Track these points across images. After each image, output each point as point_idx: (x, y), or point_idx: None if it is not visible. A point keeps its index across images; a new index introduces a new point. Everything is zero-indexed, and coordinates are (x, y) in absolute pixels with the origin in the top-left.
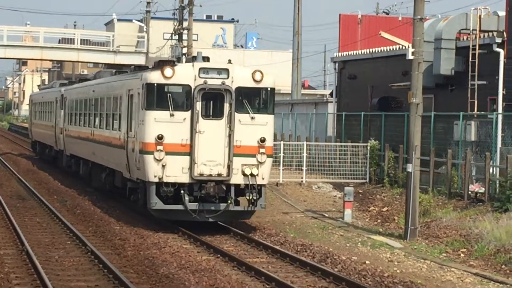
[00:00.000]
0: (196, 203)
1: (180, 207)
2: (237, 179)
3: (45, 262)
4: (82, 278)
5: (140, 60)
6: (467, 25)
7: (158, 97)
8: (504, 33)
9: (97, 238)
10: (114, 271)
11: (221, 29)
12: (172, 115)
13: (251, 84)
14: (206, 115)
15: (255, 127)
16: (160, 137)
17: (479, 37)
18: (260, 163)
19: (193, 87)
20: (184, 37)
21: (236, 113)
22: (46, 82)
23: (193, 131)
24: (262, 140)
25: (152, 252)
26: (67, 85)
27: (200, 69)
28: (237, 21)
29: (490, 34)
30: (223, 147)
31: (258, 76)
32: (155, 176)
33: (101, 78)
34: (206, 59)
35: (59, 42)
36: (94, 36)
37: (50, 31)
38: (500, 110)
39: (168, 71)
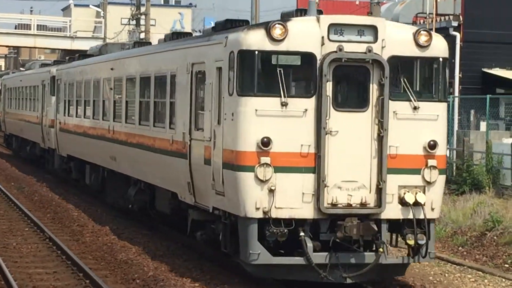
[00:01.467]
0: (326, 253)
1: (299, 260)
2: (392, 210)
3: (3, 249)
4: (40, 264)
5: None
6: (424, 9)
7: (261, 75)
8: (460, 16)
9: (55, 225)
10: (72, 258)
11: (179, 14)
12: (284, 104)
13: (413, 51)
14: (341, 105)
15: (419, 124)
16: (265, 142)
17: (436, 20)
18: (429, 183)
19: (319, 57)
20: (142, 22)
21: (390, 101)
22: (3, 69)
23: (320, 131)
24: (432, 146)
25: (110, 238)
26: (61, 63)
27: (331, 26)
28: (195, 6)
29: (447, 17)
30: (369, 158)
31: (423, 39)
32: (257, 209)
33: (118, 51)
34: (319, 12)
35: (15, 28)
36: (51, 21)
37: (5, 17)
38: (456, 93)
39: (278, 29)
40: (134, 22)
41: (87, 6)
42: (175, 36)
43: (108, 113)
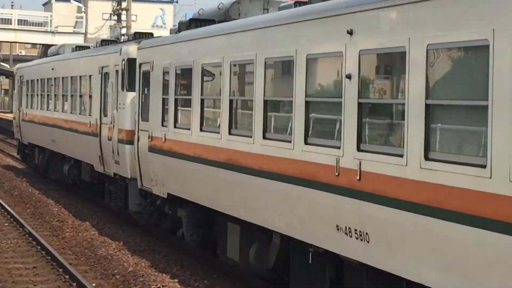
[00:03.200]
0: None
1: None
2: None
3: None
4: (20, 260)
5: (78, 40)
6: None
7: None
8: None
9: (35, 220)
10: (52, 253)
11: (160, 9)
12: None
13: None
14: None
15: None
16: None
17: None
18: None
19: None
20: (123, 17)
21: None
22: None
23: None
24: None
25: (90, 233)
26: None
27: None
28: (176, 2)
29: None
30: None
31: None
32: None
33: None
34: None
35: None
36: (32, 16)
37: None
38: None
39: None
40: (115, 17)
41: (68, 1)
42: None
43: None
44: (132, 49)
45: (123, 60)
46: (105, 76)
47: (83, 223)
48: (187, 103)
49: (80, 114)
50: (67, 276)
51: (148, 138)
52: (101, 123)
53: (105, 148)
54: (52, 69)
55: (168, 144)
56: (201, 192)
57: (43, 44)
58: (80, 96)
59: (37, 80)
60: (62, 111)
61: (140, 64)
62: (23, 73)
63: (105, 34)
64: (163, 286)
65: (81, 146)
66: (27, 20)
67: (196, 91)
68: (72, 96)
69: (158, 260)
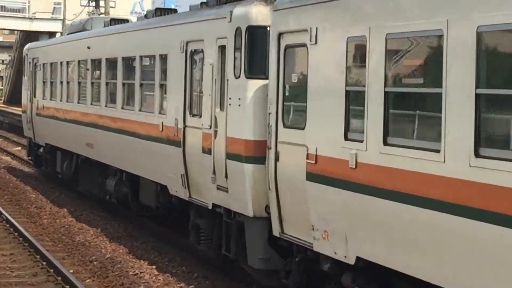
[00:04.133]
0: None
1: None
2: None
3: None
4: None
5: (57, 27)
6: None
7: None
8: None
9: (12, 207)
10: (29, 239)
11: None
12: None
13: None
14: None
15: None
16: None
17: None
18: None
19: None
20: (102, 3)
21: None
22: None
23: None
24: None
25: (68, 220)
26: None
27: None
28: None
29: None
30: None
31: None
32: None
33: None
34: None
35: None
36: (10, 2)
37: None
38: None
39: None
40: (93, 3)
41: None
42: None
43: None
44: (257, 12)
45: (238, 29)
46: (192, 56)
47: (60, 209)
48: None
49: (141, 111)
50: (44, 263)
51: (307, 158)
52: (185, 126)
53: (194, 164)
54: (89, 47)
55: (360, 172)
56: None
57: (20, 30)
58: (141, 85)
59: (61, 63)
60: (107, 106)
61: (280, 35)
62: (37, 54)
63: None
64: (140, 272)
65: (143, 156)
66: (4, 6)
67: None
68: (125, 85)
69: (136, 246)
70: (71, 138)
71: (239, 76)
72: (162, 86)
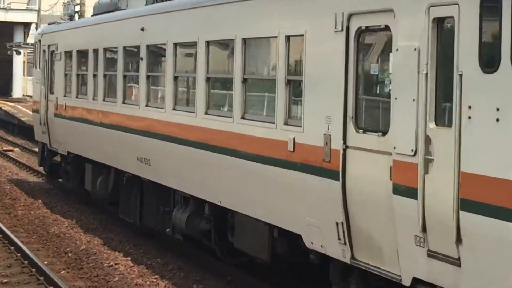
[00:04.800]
0: None
1: None
2: None
3: None
4: None
5: (32, 17)
6: None
7: None
8: None
9: None
10: (4, 231)
11: None
12: None
13: None
14: None
15: None
16: None
17: None
18: None
19: None
20: None
21: None
22: None
23: None
24: None
25: (43, 211)
26: None
27: None
28: None
29: None
30: None
31: None
32: None
33: None
34: None
35: None
36: None
37: None
38: None
39: None
40: None
41: None
42: None
43: None
44: None
45: None
46: (358, 37)
47: (35, 201)
48: None
49: (246, 119)
50: (18, 254)
51: None
52: (347, 147)
53: (367, 208)
54: (143, 29)
55: None
56: None
57: None
58: (245, 81)
59: (95, 51)
60: (176, 109)
61: None
62: (55, 40)
63: (59, 12)
64: (115, 264)
65: (247, 185)
66: None
67: None
68: (212, 81)
69: (111, 238)
70: (110, 149)
71: (495, 68)
72: (291, 83)
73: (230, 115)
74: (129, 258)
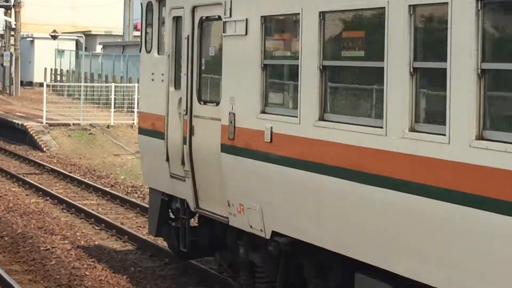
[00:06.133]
0: None
1: None
2: None
3: None
4: None
5: None
6: None
7: None
8: None
9: None
10: None
11: None
12: None
13: None
14: None
15: None
16: None
17: None
18: None
19: None
20: None
21: None
22: None
23: None
24: None
25: None
26: None
27: None
28: None
29: None
30: None
31: None
32: None
33: None
34: None
35: None
36: None
37: None
38: None
39: None
40: None
41: None
42: None
43: None
44: None
45: None
46: None
47: None
48: None
49: None
50: None
51: None
52: None
53: None
54: None
55: None
56: None
57: None
58: None
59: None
60: None
61: None
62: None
63: None
64: (52, 247)
65: None
66: None
67: None
68: None
69: (48, 222)
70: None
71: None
72: None
73: None
74: (66, 242)
